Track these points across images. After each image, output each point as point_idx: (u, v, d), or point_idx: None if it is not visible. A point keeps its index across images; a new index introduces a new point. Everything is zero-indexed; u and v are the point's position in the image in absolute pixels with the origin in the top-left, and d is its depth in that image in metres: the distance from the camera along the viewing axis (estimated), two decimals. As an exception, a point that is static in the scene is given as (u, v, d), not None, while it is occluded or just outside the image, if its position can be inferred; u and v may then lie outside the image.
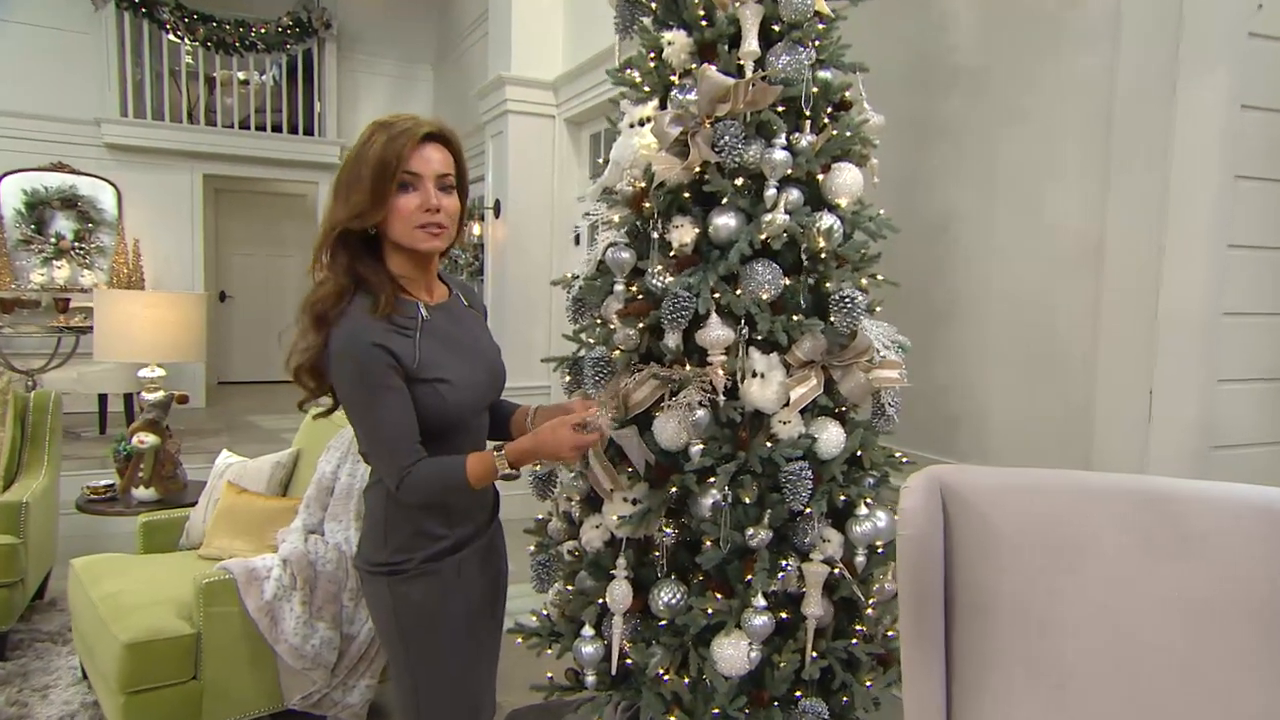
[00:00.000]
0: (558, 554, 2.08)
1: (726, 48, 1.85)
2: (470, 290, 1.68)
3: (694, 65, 1.86)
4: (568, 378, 2.07)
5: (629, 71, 2.01)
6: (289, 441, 3.15)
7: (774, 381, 1.76)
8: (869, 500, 1.87)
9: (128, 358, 3.34)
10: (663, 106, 1.92)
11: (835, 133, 1.85)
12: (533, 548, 2.10)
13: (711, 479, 1.76)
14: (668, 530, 1.83)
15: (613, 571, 1.86)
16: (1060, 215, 2.07)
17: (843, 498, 1.83)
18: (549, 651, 2.08)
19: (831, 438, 1.81)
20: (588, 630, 1.91)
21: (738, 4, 1.82)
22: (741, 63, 1.82)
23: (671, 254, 1.84)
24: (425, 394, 1.44)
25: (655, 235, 1.86)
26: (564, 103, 5.03)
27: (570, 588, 2.03)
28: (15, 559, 2.93)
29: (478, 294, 1.71)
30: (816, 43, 1.88)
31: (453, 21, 7.53)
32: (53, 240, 6.76)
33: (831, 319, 1.78)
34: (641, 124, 1.92)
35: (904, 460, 2.00)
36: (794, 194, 1.80)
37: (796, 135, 1.82)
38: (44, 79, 6.74)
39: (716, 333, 1.74)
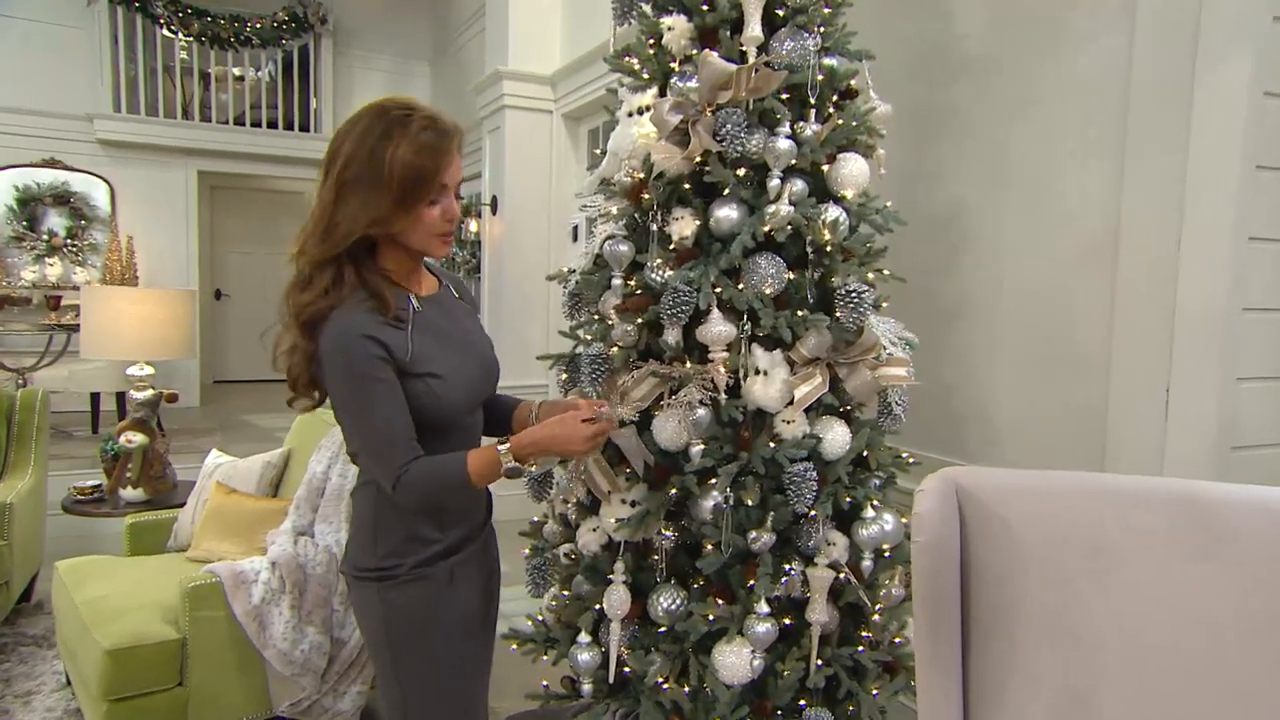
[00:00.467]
0: (554, 557, 2.02)
1: (728, 33, 1.80)
2: (459, 282, 1.61)
3: (695, 51, 1.82)
4: (564, 376, 2.01)
5: (627, 58, 1.95)
6: (284, 441, 3.08)
7: (777, 379, 1.71)
8: (875, 502, 1.82)
9: (115, 355, 3.27)
10: (662, 94, 1.87)
11: (841, 122, 1.81)
12: (528, 551, 2.04)
13: (712, 480, 1.72)
14: (667, 533, 1.78)
15: (610, 576, 1.80)
16: (1073, 207, 2.02)
17: (848, 499, 1.79)
18: (545, 658, 2.03)
19: (837, 438, 1.76)
20: (584, 637, 1.85)
21: (740, -13, 1.76)
22: (744, 48, 1.76)
23: (671, 247, 1.79)
24: (417, 389, 1.38)
25: (654, 228, 1.82)
26: (562, 98, 4.97)
27: (566, 593, 1.97)
28: (-1, 561, 2.87)
29: (467, 286, 1.64)
30: (821, 29, 1.83)
31: (450, 16, 7.47)
32: (45, 237, 6.69)
33: (837, 314, 1.73)
34: (640, 112, 1.88)
35: (911, 461, 1.96)
36: (798, 185, 1.76)
37: (801, 124, 1.78)
38: (36, 74, 6.67)
39: (718, 329, 1.69)
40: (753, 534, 1.71)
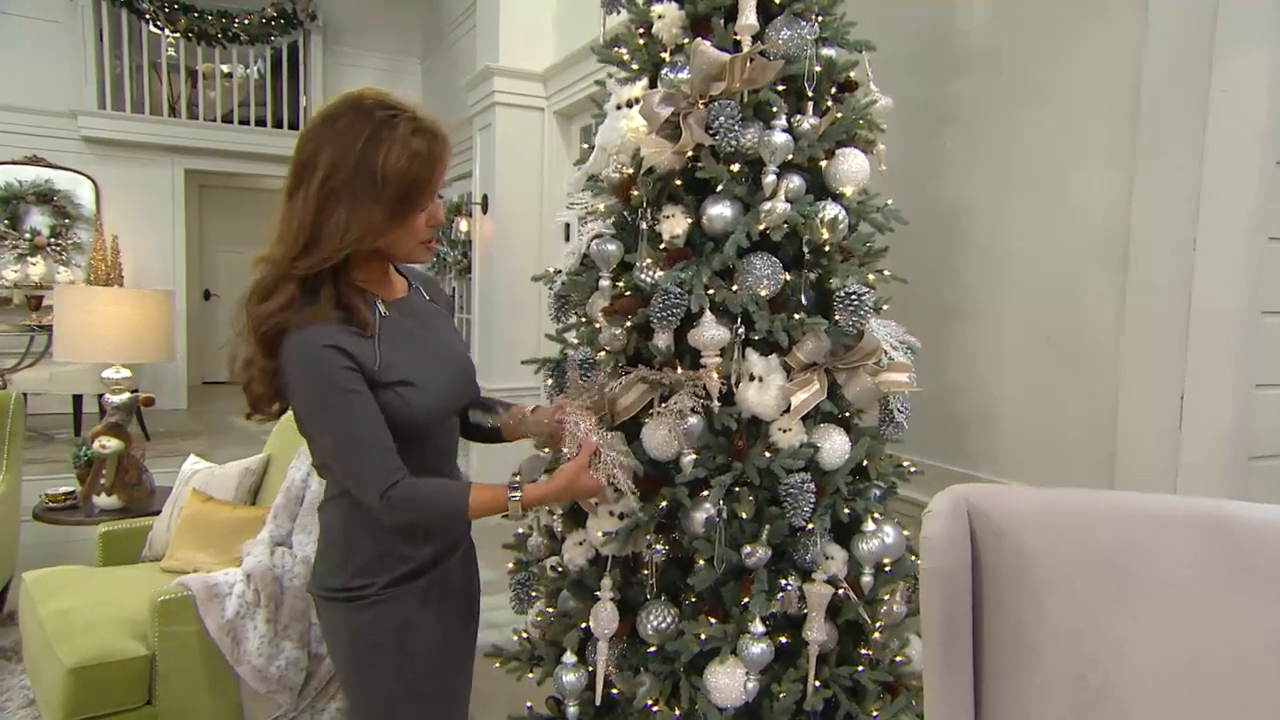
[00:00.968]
0: (539, 571, 1.93)
1: (722, 21, 1.72)
2: (431, 282, 1.52)
3: (686, 40, 1.74)
4: (550, 381, 1.93)
5: (616, 49, 1.87)
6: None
7: (773, 386, 1.63)
8: (876, 515, 1.74)
9: (90, 358, 3.17)
10: (653, 85, 1.79)
11: (840, 115, 1.73)
12: (511, 565, 1.95)
13: (705, 492, 1.64)
14: (657, 548, 1.70)
15: (597, 593, 1.71)
16: (1082, 205, 1.95)
17: (847, 512, 1.71)
18: (530, 675, 1.94)
19: (835, 447, 1.69)
20: (569, 657, 1.76)
21: (734, -27, 1.68)
22: (738, 37, 1.68)
23: (662, 246, 1.71)
24: (388, 400, 1.29)
25: (644, 226, 1.74)
26: (554, 95, 4.89)
27: (551, 610, 1.88)
28: (-33, 571, 2.77)
29: (440, 287, 1.55)
30: (820, 18, 1.75)
31: (441, 12, 7.37)
32: (27, 236, 6.58)
33: (836, 318, 1.65)
34: (629, 105, 1.80)
35: (912, 470, 1.88)
36: (795, 181, 1.68)
37: (798, 117, 1.70)
38: (18, 69, 6.56)
39: (710, 332, 1.61)
40: (747, 548, 1.63)
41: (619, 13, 1.89)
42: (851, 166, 1.71)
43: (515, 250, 4.97)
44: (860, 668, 1.73)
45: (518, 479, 1.35)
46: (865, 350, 1.68)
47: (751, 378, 1.64)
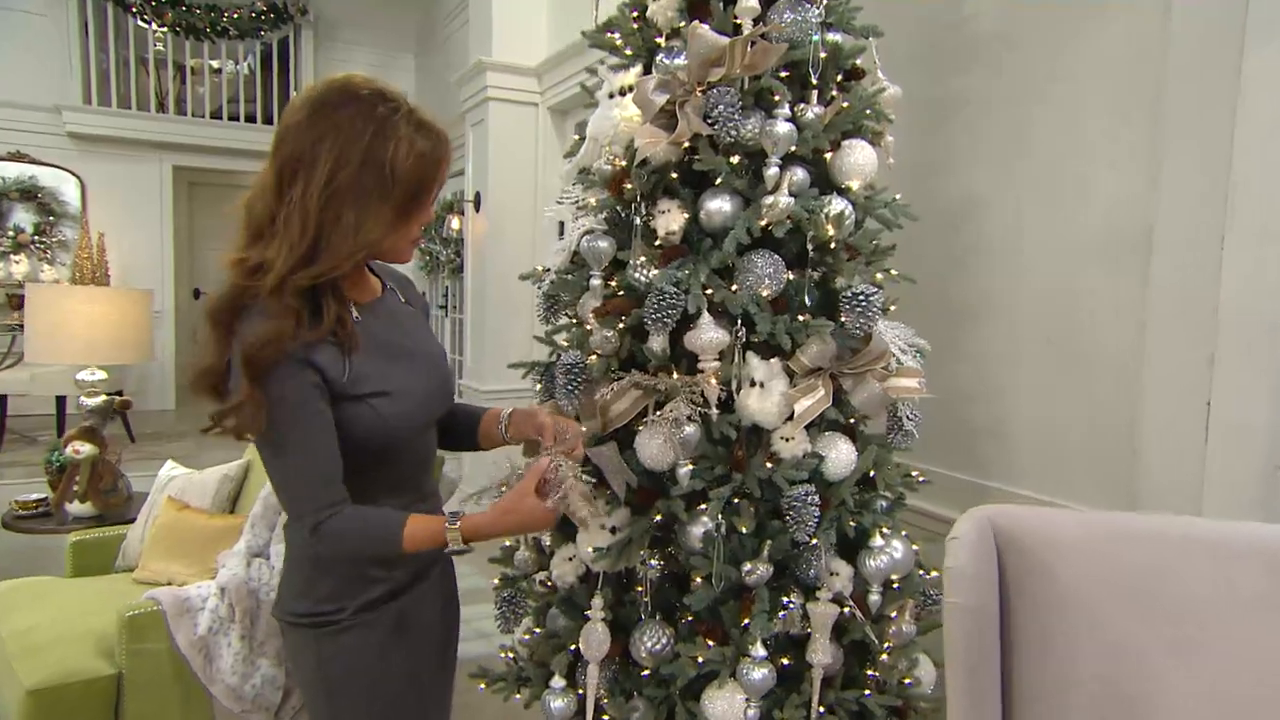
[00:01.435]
0: (527, 587, 1.84)
1: (721, 4, 1.63)
2: (406, 283, 1.41)
3: (683, 24, 1.65)
4: (539, 385, 1.83)
5: (609, 34, 1.77)
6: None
7: (775, 392, 1.54)
8: (884, 529, 1.64)
9: (62, 359, 3.06)
10: (647, 72, 1.69)
11: (846, 105, 1.64)
12: (497, 581, 1.85)
13: (702, 505, 1.56)
14: (652, 564, 1.62)
15: (588, 613, 1.61)
16: (1101, 201, 1.85)
17: (853, 525, 1.61)
18: (518, 696, 1.84)
19: (841, 456, 1.60)
20: (558, 681, 1.67)
21: (734, -49, 1.58)
22: (738, 20, 1.59)
23: (657, 243, 1.63)
24: (359, 413, 1.19)
25: (638, 221, 1.65)
26: (548, 89, 4.79)
27: (540, 630, 1.77)
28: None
29: (415, 288, 1.44)
30: (825, 1, 1.64)
31: (435, 6, 7.27)
32: (10, 234, 6.47)
33: (842, 320, 1.56)
34: (622, 93, 1.70)
35: (921, 479, 1.78)
36: (798, 174, 1.59)
37: (802, 106, 1.61)
38: (1, 64, 6.43)
39: (708, 335, 1.53)
40: (747, 565, 1.54)
41: (612, -4, 1.79)
42: (858, 159, 1.62)
43: (508, 248, 4.88)
44: (867, 691, 1.64)
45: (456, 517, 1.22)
46: (873, 354, 1.59)
47: (752, 383, 1.55)
